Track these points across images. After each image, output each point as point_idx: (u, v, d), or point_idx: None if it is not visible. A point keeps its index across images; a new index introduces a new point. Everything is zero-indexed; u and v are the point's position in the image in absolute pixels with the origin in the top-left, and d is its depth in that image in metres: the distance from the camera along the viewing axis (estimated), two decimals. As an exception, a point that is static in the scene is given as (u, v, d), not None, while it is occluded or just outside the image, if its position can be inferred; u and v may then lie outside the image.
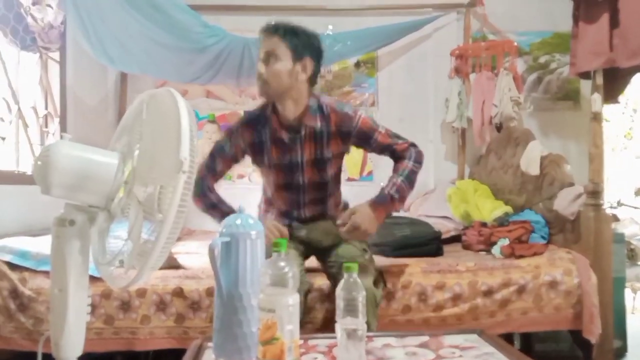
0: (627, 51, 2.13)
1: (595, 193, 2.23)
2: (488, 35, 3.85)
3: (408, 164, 1.85)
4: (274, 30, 1.74)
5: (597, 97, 2.24)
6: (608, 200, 4.98)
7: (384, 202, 1.80)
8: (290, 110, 1.80)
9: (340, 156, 1.91)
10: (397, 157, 1.89)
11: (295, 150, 1.84)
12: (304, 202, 1.92)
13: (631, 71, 2.26)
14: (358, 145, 1.90)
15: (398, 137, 1.91)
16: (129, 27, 2.81)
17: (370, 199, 1.82)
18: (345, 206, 2.04)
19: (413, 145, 1.90)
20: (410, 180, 1.84)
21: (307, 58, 1.76)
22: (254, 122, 1.87)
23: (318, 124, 1.82)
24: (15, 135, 2.69)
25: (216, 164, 1.90)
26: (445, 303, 2.08)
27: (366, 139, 1.87)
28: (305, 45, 1.76)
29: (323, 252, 1.94)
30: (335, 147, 1.86)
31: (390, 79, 3.93)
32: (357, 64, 3.92)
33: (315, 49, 1.79)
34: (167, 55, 3.04)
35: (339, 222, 1.80)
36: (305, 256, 1.96)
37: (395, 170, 1.87)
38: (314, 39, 1.79)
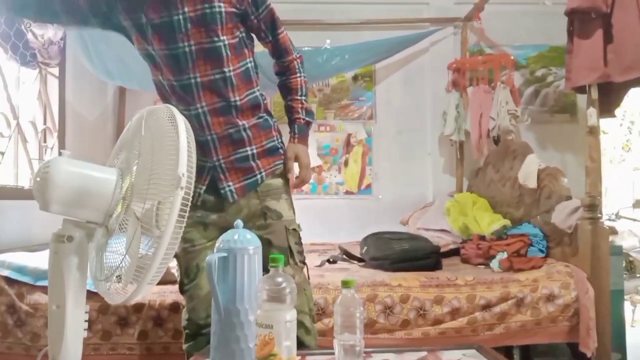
0: (622, 66, 2.15)
1: (592, 206, 2.23)
2: (485, 49, 3.89)
3: (301, 79, 1.67)
4: None
5: (592, 112, 2.25)
6: (606, 212, 5.00)
7: (307, 132, 1.69)
8: None
9: (233, 22, 1.53)
10: (279, 51, 1.65)
11: (176, 5, 1.49)
12: (201, 105, 1.54)
13: (626, 85, 2.27)
14: (249, 13, 1.56)
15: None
16: (128, 42, 2.84)
17: (294, 135, 1.66)
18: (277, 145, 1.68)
19: (291, 43, 1.66)
20: (307, 95, 1.70)
21: None
22: None
23: None
24: (14, 150, 2.70)
25: None
26: (443, 317, 2.08)
27: (260, 1, 1.57)
28: None
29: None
30: (226, 2, 1.51)
31: (388, 92, 3.96)
32: (355, 78, 3.95)
33: None
34: (166, 70, 3.06)
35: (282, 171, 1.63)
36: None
37: (290, 87, 1.67)
38: None
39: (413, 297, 2.08)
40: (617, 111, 2.55)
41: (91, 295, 1.09)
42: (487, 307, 2.10)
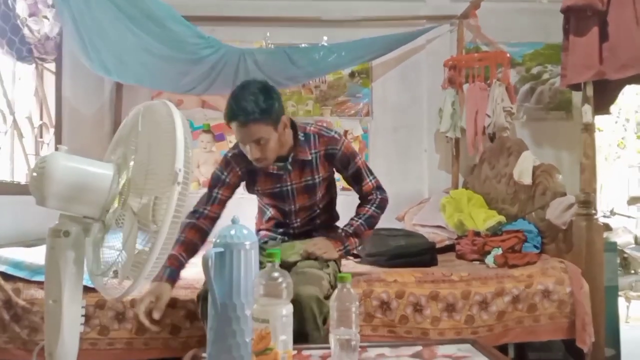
0: (617, 64, 2.16)
1: (586, 203, 2.25)
2: (481, 46, 3.89)
3: (369, 210, 1.99)
4: (249, 118, 1.70)
5: (587, 109, 2.26)
6: (601, 209, 5.02)
7: (339, 235, 1.99)
8: (281, 151, 1.89)
9: (327, 179, 2.00)
10: (362, 196, 2.02)
11: (285, 180, 1.93)
12: (295, 221, 2.03)
13: (621, 83, 2.28)
14: (338, 169, 2.01)
15: (371, 172, 2.03)
16: (125, 38, 2.83)
17: (336, 236, 2.00)
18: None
19: (379, 188, 2.02)
20: (369, 223, 1.99)
21: (283, 117, 1.80)
22: (243, 155, 1.88)
23: (308, 155, 1.91)
24: (10, 145, 2.69)
25: (217, 194, 1.92)
26: (440, 314, 2.09)
27: (347, 163, 1.97)
28: (277, 110, 1.76)
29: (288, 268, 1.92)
30: (323, 171, 1.96)
31: (385, 89, 3.96)
32: (352, 75, 3.95)
33: (281, 102, 1.80)
34: (163, 66, 3.06)
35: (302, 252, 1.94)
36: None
37: (357, 212, 2.02)
38: (275, 94, 1.78)
39: (409, 292, 2.09)
40: (612, 108, 2.56)
41: (88, 290, 1.10)
42: (482, 303, 2.11)
